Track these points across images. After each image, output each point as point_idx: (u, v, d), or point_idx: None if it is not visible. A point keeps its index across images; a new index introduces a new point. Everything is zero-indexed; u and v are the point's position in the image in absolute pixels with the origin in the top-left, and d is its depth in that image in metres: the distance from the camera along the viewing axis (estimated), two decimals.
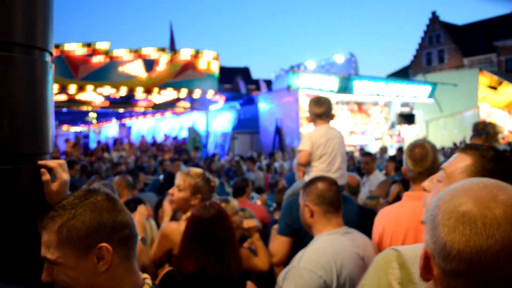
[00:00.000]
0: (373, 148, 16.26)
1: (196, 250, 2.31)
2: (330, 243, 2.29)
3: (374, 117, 17.37)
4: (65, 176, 1.47)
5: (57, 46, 12.65)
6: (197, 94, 15.87)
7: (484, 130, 5.34)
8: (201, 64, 15.95)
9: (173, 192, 3.01)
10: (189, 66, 15.73)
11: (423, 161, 2.51)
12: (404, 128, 17.67)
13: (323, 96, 4.18)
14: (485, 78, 21.34)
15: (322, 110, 3.92)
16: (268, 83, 22.35)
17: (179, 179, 3.02)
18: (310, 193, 2.48)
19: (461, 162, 1.43)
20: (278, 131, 15.94)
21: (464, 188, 0.90)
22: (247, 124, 17.83)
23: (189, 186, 2.98)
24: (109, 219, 1.28)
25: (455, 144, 14.61)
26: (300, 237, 3.01)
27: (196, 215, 2.41)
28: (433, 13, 51.03)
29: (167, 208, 3.27)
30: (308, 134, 3.92)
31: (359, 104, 17.04)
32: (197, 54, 15.78)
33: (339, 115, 16.43)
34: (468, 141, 5.17)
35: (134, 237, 1.36)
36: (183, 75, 15.52)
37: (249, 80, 48.70)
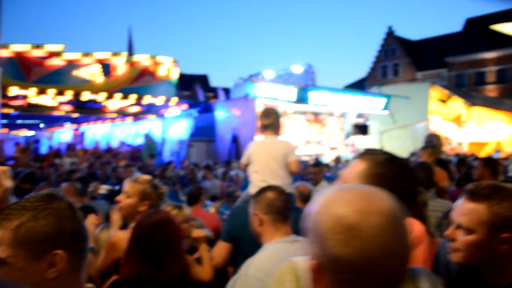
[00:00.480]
0: (328, 157, 16.49)
1: (134, 256, 2.32)
2: (278, 251, 2.31)
3: (329, 127, 17.66)
4: (7, 183, 1.43)
5: (5, 46, 12.20)
6: (154, 100, 15.68)
7: (431, 143, 5.56)
8: (160, 71, 15.78)
9: (121, 199, 2.99)
10: (147, 72, 15.53)
11: None
12: (359, 138, 18.04)
13: (272, 108, 4.31)
14: (436, 92, 22.12)
15: (268, 122, 4.04)
16: (227, 91, 22.38)
17: (127, 185, 3.01)
18: (259, 202, 2.51)
19: (355, 167, 1.45)
20: (235, 139, 15.94)
21: (343, 196, 0.95)
22: (204, 132, 17.74)
23: (137, 192, 2.97)
24: (69, 228, 1.26)
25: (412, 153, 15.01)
26: (238, 243, 3.08)
27: (137, 222, 2.42)
28: (389, 28, 52.60)
29: (114, 217, 3.23)
30: (248, 146, 4.05)
31: (316, 114, 17.28)
32: (155, 60, 15.61)
33: (296, 124, 16.60)
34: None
35: (87, 250, 1.34)
36: (141, 81, 15.30)
37: (207, 87, 48.65)
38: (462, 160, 6.78)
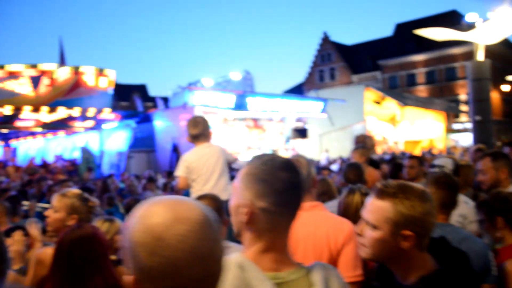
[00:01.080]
0: None
1: (56, 272, 2.25)
2: None
3: (269, 133, 17.85)
4: None
5: None
6: (90, 112, 15.19)
7: (361, 144, 5.72)
8: (95, 82, 15.33)
9: (49, 214, 2.93)
10: (81, 84, 15.03)
11: None
12: (299, 142, 18.34)
13: (199, 116, 4.33)
14: (371, 94, 22.91)
15: (197, 132, 4.06)
16: (166, 100, 22.10)
17: (55, 200, 2.95)
18: None
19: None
20: (175, 149, 15.75)
21: (152, 209, 1.00)
22: (144, 143, 17.42)
23: (65, 206, 2.92)
24: None
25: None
26: None
27: (59, 237, 2.36)
28: (325, 33, 54.00)
29: (34, 233, 3.15)
30: (182, 158, 4.04)
31: (255, 120, 17.42)
32: (89, 71, 15.15)
33: (236, 131, 16.65)
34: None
35: (6, 272, 1.29)
36: (74, 92, 14.77)
37: (146, 97, 47.84)
38: (393, 159, 7.03)
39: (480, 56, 10.91)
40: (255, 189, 1.37)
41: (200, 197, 2.66)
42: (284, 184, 1.38)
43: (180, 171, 4.05)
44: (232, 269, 1.33)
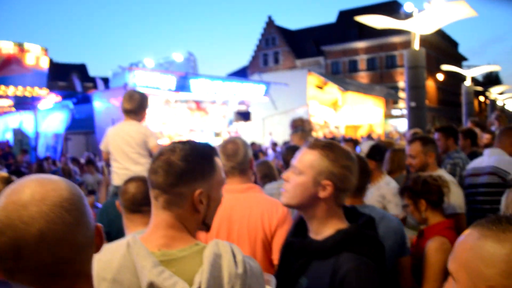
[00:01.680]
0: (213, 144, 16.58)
1: None
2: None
3: (212, 115, 17.74)
4: None
5: None
6: (23, 91, 14.50)
7: (300, 127, 5.78)
8: (28, 59, 14.61)
9: None
10: (13, 61, 14.30)
11: (235, 156, 2.63)
12: (242, 125, 18.36)
13: (138, 92, 4.14)
14: (313, 79, 23.20)
15: (129, 107, 3.89)
16: (106, 81, 21.43)
17: None
18: (120, 194, 2.48)
19: None
20: None
21: (13, 187, 1.00)
22: (82, 124, 16.82)
23: None
24: None
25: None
26: (111, 238, 2.96)
27: None
28: (269, 17, 54.08)
29: None
30: (106, 132, 3.93)
31: (198, 103, 17.24)
32: (21, 48, 14.42)
33: (178, 113, 16.44)
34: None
35: None
36: (6, 70, 14.07)
37: (85, 77, 46.17)
38: None
39: (416, 45, 11.30)
40: None
41: (128, 181, 2.57)
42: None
43: (102, 145, 3.98)
44: (122, 247, 1.35)
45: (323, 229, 1.75)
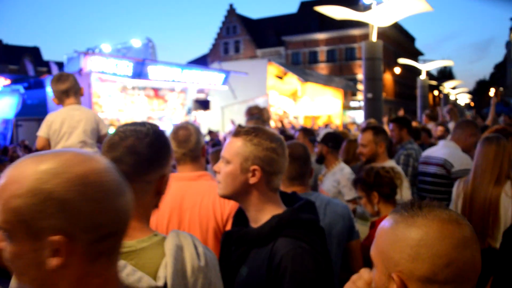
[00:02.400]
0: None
1: None
2: None
3: (171, 103, 17.46)
4: None
5: None
6: None
7: (257, 115, 5.72)
8: None
9: None
10: None
11: (186, 143, 2.54)
12: (200, 113, 18.19)
13: (64, 72, 3.95)
14: (273, 68, 23.23)
15: (66, 86, 3.70)
16: (61, 65, 20.72)
17: None
18: None
19: None
20: None
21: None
22: (35, 110, 16.18)
23: None
24: None
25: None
26: None
27: None
28: (231, 6, 53.70)
29: None
30: (46, 118, 3.69)
31: (156, 90, 16.91)
32: None
33: (136, 100, 16.09)
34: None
35: None
36: None
37: (39, 61, 44.49)
38: (283, 131, 7.18)
39: (374, 37, 11.46)
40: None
41: None
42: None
43: (41, 131, 3.67)
44: None
45: (260, 216, 1.75)
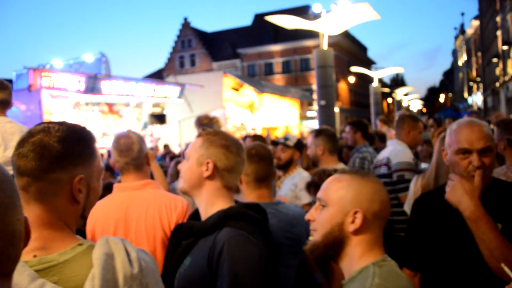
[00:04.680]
0: None
1: None
2: None
3: (126, 118, 17.20)
4: None
5: None
6: None
7: (210, 125, 5.69)
8: None
9: None
10: None
11: (128, 151, 2.50)
12: (157, 128, 18.00)
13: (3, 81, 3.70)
14: (229, 80, 23.28)
15: (5, 96, 3.50)
16: (10, 82, 20.03)
17: None
18: None
19: None
20: None
21: None
22: None
23: None
24: None
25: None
26: None
27: None
28: (185, 19, 53.65)
29: None
30: None
31: (110, 105, 16.64)
32: None
33: (89, 116, 15.76)
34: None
35: None
36: None
37: None
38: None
39: (325, 45, 11.69)
40: None
41: None
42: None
43: None
44: None
45: (210, 211, 1.83)
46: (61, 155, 1.22)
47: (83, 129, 1.35)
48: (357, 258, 1.44)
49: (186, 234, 1.85)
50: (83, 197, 1.28)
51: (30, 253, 1.15)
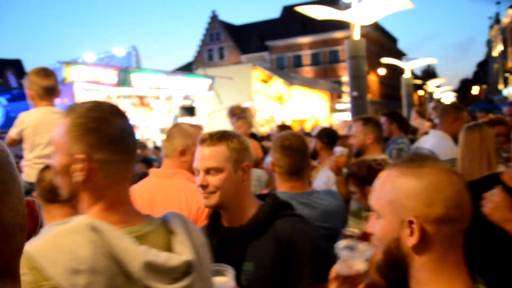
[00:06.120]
0: (159, 140, 16.29)
1: None
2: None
3: (157, 111, 17.38)
4: None
5: None
6: None
7: (242, 115, 5.68)
8: None
9: None
10: None
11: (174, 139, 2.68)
12: (187, 120, 18.11)
13: (48, 67, 3.64)
14: (258, 73, 23.24)
15: (51, 83, 3.38)
16: None
17: None
18: (37, 185, 2.29)
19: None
20: None
21: None
22: None
23: None
24: None
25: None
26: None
27: None
28: (213, 12, 53.81)
29: None
30: (20, 119, 3.36)
31: (141, 98, 16.83)
32: None
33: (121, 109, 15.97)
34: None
35: None
36: None
37: (21, 73, 43.98)
38: (269, 135, 7.17)
39: (356, 35, 11.50)
40: (87, 140, 1.20)
41: (44, 169, 2.35)
42: (118, 131, 1.25)
43: (13, 132, 3.35)
44: (83, 233, 1.13)
45: (244, 213, 1.81)
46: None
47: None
48: (425, 285, 1.13)
49: (233, 241, 1.81)
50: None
51: (116, 225, 1.20)
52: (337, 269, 1.36)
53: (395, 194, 1.15)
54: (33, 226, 0.75)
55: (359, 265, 1.35)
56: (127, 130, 1.29)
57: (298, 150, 2.43)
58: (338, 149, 3.41)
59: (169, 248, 1.24)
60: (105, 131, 1.22)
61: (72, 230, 1.15)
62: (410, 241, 1.11)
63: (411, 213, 1.10)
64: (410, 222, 1.10)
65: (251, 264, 1.72)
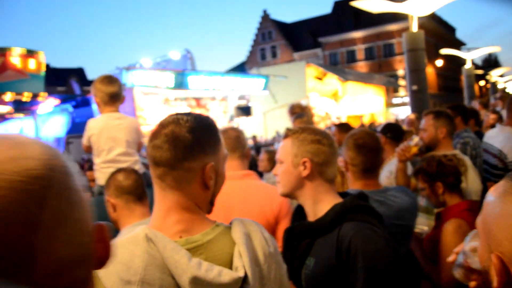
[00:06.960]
0: None
1: None
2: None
3: (213, 111, 17.64)
4: None
5: None
6: (22, 97, 14.39)
7: (303, 113, 5.64)
8: (26, 64, 14.48)
9: None
10: (8, 67, 14.17)
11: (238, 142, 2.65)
12: (243, 120, 18.26)
13: (112, 75, 3.75)
14: (312, 70, 23.11)
15: (115, 89, 3.46)
16: None
17: None
18: (108, 186, 2.36)
19: None
20: None
21: None
22: (83, 127, 16.58)
23: None
24: None
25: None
26: None
27: None
28: (264, 11, 53.94)
29: None
30: (88, 125, 3.48)
31: (197, 100, 17.14)
32: (19, 53, 14.28)
33: (178, 111, 16.31)
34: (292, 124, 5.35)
35: None
36: (2, 76, 13.93)
37: (84, 81, 46.06)
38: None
39: (415, 27, 11.17)
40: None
41: (117, 171, 2.42)
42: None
43: (84, 139, 3.49)
44: (141, 244, 1.17)
45: (320, 208, 1.80)
46: (192, 144, 1.26)
47: (208, 118, 1.39)
48: None
49: (301, 235, 1.82)
50: (212, 183, 1.31)
51: (176, 235, 1.22)
52: (471, 263, 1.09)
53: (489, 218, 0.87)
54: (104, 252, 0.69)
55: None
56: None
57: (372, 148, 2.39)
58: (416, 138, 3.31)
59: (230, 260, 1.22)
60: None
61: (132, 241, 1.19)
62: (494, 281, 0.84)
63: (499, 248, 0.83)
64: (497, 257, 0.82)
65: (313, 260, 1.74)
